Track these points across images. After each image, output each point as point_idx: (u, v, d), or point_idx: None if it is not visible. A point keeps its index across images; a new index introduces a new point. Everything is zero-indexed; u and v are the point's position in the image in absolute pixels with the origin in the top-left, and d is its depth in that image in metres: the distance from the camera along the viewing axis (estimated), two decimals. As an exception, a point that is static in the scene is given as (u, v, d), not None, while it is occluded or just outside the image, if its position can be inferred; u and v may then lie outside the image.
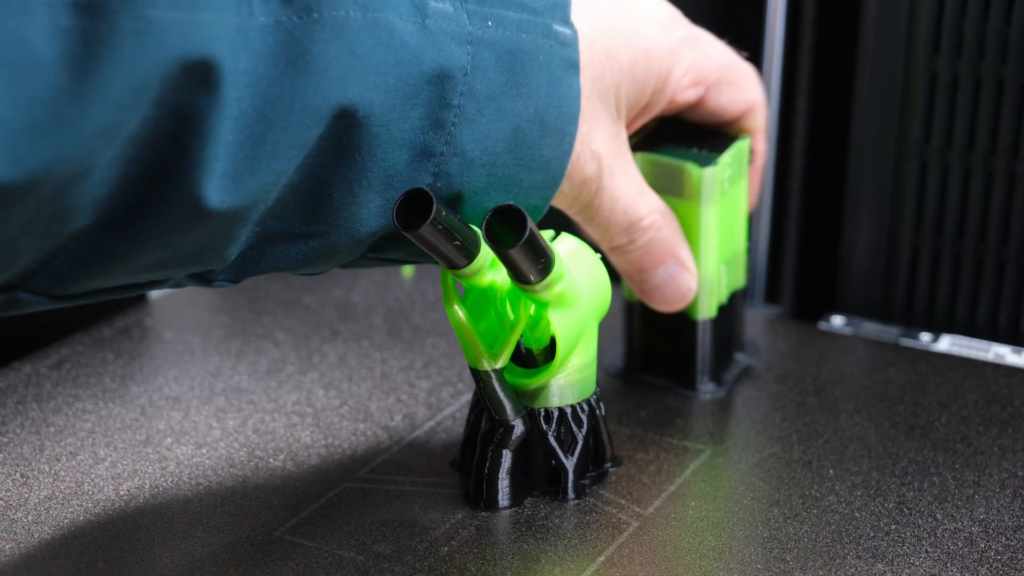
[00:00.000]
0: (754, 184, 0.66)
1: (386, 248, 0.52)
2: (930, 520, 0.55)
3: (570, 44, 0.51)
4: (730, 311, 0.65)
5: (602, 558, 0.53)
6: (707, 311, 0.63)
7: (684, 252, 0.61)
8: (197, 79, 0.42)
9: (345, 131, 0.46)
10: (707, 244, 0.62)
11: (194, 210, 0.44)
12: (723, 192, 0.62)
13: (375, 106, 0.46)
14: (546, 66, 0.50)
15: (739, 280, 0.65)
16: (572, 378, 0.56)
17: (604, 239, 0.59)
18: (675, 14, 0.59)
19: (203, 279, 0.50)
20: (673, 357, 0.65)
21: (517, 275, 0.52)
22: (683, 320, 0.63)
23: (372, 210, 0.49)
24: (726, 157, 0.61)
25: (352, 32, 0.45)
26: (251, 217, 0.46)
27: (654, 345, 0.65)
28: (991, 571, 0.52)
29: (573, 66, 0.51)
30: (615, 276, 0.61)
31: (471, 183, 0.50)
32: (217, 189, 0.44)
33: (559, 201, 0.56)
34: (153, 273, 0.47)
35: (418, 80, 0.47)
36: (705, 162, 0.60)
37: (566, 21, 0.51)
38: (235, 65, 0.43)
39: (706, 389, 0.64)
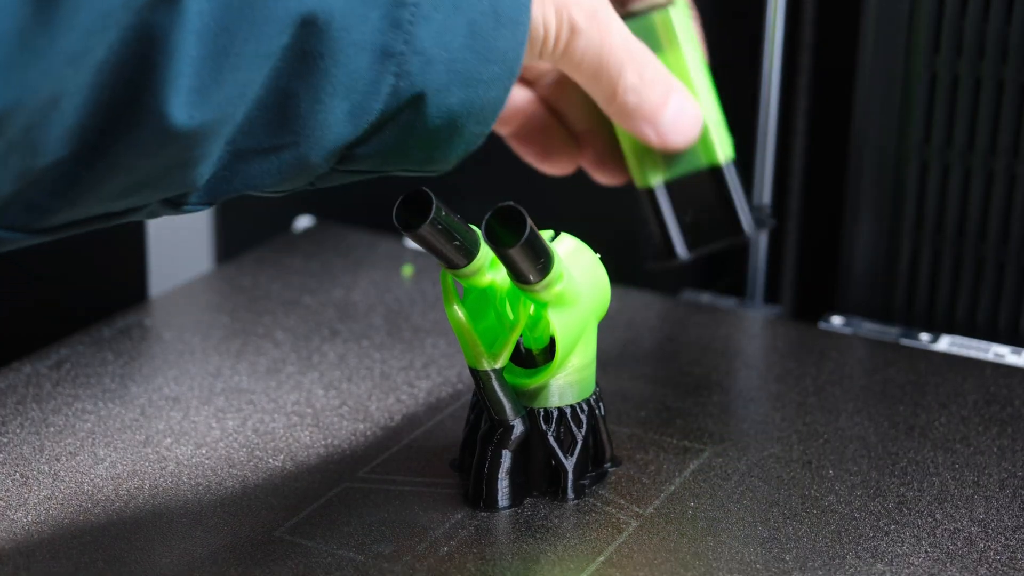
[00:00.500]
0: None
1: (354, 159, 0.52)
2: (930, 520, 0.55)
3: None
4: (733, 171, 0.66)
5: (602, 558, 0.53)
6: (725, 151, 0.64)
7: (679, 82, 0.62)
8: None
9: (308, 38, 0.47)
10: (699, 83, 0.63)
11: (164, 129, 0.45)
12: (691, 36, 0.63)
13: (335, 11, 0.47)
14: None
15: (729, 146, 0.66)
16: (572, 378, 0.56)
17: (612, 83, 0.60)
18: None
19: (176, 204, 0.50)
20: (710, 215, 0.65)
21: (517, 275, 0.52)
22: (707, 174, 0.64)
23: (339, 116, 0.49)
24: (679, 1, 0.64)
25: None
26: (220, 133, 0.47)
27: (688, 213, 0.65)
28: (991, 571, 0.52)
29: None
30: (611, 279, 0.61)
31: (432, 81, 0.50)
32: (185, 105, 0.45)
33: (543, 62, 0.58)
34: (128, 199, 0.48)
35: None
36: (665, 6, 0.63)
37: None
38: None
39: (751, 229, 0.65)
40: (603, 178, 0.67)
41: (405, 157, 0.52)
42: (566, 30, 0.56)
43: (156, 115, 0.44)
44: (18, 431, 0.61)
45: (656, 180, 0.64)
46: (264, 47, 0.46)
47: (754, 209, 0.65)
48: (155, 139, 0.45)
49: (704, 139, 0.63)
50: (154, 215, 0.51)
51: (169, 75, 0.44)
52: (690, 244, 0.66)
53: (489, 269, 0.53)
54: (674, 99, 0.61)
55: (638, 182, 0.65)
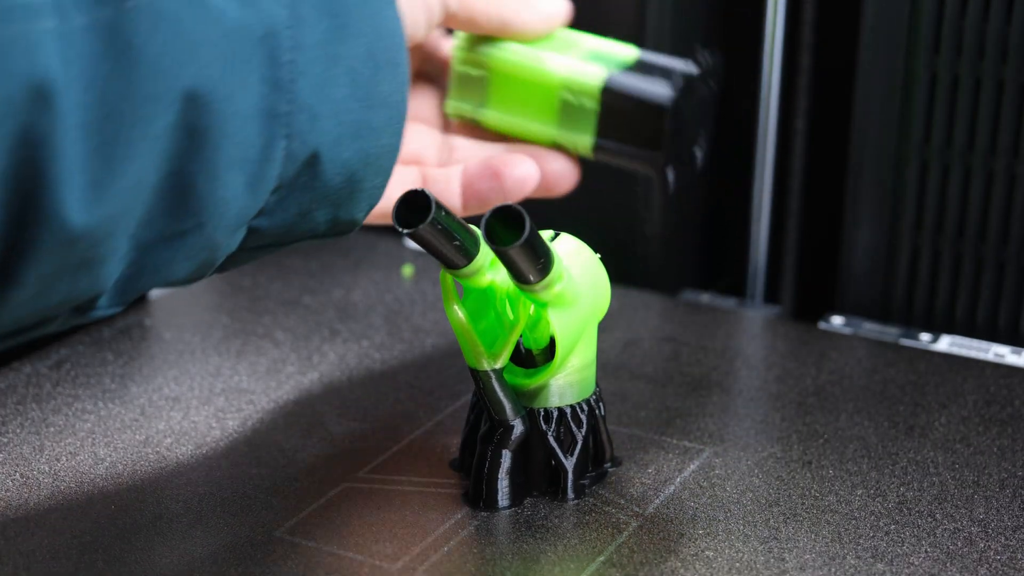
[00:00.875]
0: None
1: (260, 234, 0.51)
2: (930, 520, 0.55)
3: None
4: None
5: (602, 558, 0.53)
6: (601, 68, 0.62)
7: None
8: (34, 96, 0.41)
9: (192, 114, 0.46)
10: None
11: (64, 233, 0.43)
12: None
13: (214, 82, 0.46)
14: (364, 2, 0.50)
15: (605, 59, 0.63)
16: (572, 378, 0.56)
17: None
18: None
19: (85, 310, 0.48)
20: (638, 116, 0.62)
21: (517, 275, 0.52)
22: (604, 99, 0.62)
23: (238, 189, 0.48)
24: None
25: (171, 13, 0.45)
26: (122, 226, 0.45)
27: (628, 128, 0.63)
28: (991, 571, 0.52)
29: None
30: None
31: (323, 136, 0.49)
32: (81, 203, 0.43)
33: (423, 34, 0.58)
34: (38, 311, 0.46)
35: (246, 46, 0.47)
36: None
37: None
38: (67, 72, 0.42)
39: (671, 90, 0.62)
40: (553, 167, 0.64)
41: (310, 223, 0.51)
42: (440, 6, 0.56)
43: (54, 219, 0.43)
44: (18, 431, 0.61)
45: (587, 141, 0.62)
46: (151, 129, 0.44)
47: (672, 75, 0.62)
48: (57, 244, 0.44)
49: (571, 82, 0.61)
50: (65, 325, 0.49)
51: (60, 175, 0.42)
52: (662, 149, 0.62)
53: (489, 269, 0.53)
54: None
55: (579, 149, 0.63)
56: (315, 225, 0.51)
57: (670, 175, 0.63)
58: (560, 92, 0.61)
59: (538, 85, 0.61)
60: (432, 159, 0.63)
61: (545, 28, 0.62)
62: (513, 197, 0.60)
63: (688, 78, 0.62)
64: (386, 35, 0.51)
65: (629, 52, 0.63)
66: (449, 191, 0.61)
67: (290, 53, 0.48)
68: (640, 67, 0.62)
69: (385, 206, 0.58)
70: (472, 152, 0.63)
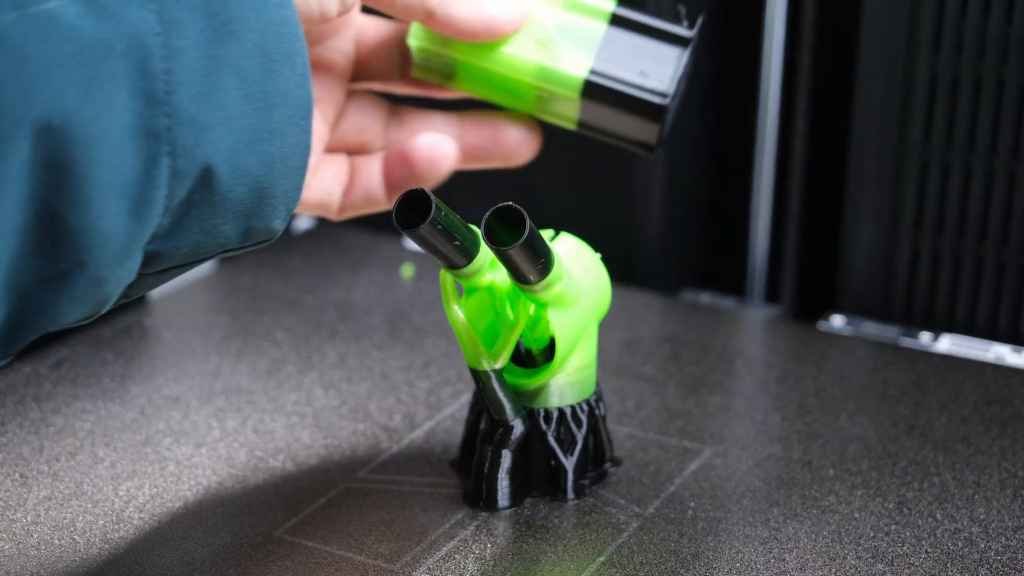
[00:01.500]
0: None
1: (162, 258, 0.46)
2: (930, 520, 0.55)
3: None
4: None
5: (602, 558, 0.53)
6: (581, 62, 0.56)
7: None
8: None
9: (50, 146, 0.41)
10: None
11: None
12: None
13: (72, 107, 0.41)
14: None
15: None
16: (572, 378, 0.56)
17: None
18: None
19: None
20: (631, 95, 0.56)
21: (517, 275, 0.52)
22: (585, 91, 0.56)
23: (119, 219, 0.43)
24: None
25: (13, 38, 0.40)
26: None
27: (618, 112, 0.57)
28: (991, 571, 0.52)
29: None
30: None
31: (216, 148, 0.45)
32: None
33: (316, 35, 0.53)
34: None
35: (108, 62, 0.42)
36: None
37: None
38: None
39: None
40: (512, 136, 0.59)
41: (219, 238, 0.46)
42: None
43: None
44: (18, 431, 0.61)
45: (570, 124, 0.58)
46: (3, 168, 0.40)
47: (668, 60, 0.56)
48: None
49: (545, 71, 0.56)
50: None
51: None
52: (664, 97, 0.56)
53: (489, 269, 0.53)
54: None
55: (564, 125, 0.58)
56: (225, 240, 0.47)
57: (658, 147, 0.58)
58: (535, 88, 0.56)
59: (511, 79, 0.56)
60: (377, 140, 0.59)
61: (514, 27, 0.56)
62: (427, 180, 0.57)
63: (685, 63, 0.57)
64: (276, 24, 0.46)
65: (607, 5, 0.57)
66: (371, 180, 0.58)
67: (163, 62, 0.43)
68: (628, 44, 0.56)
69: (324, 198, 0.56)
70: (420, 125, 0.59)
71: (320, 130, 0.56)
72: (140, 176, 0.43)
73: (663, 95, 0.56)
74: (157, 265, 0.46)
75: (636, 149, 0.58)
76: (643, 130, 0.57)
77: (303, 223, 0.84)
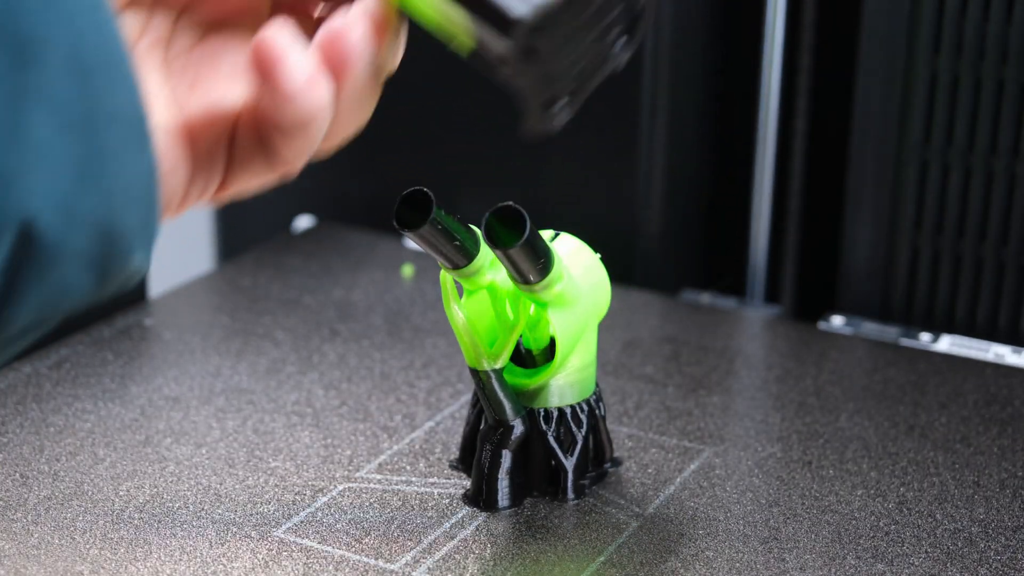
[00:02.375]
0: None
1: (7, 324, 0.39)
2: (930, 520, 0.55)
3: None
4: None
5: (602, 558, 0.53)
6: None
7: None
8: None
9: None
10: None
11: None
12: None
13: None
14: (46, 5, 0.38)
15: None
16: (572, 378, 0.56)
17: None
18: None
19: None
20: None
21: (517, 275, 0.52)
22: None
23: None
24: None
25: None
26: None
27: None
28: (991, 571, 0.52)
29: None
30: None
31: (33, 197, 0.37)
32: None
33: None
34: None
35: None
36: None
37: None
38: None
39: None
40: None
41: (71, 293, 0.39)
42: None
43: None
44: (18, 431, 0.61)
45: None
46: None
47: None
48: None
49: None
50: None
51: None
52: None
53: (489, 269, 0.53)
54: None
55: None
56: (80, 292, 0.39)
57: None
58: None
59: None
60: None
61: None
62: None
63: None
64: (88, 33, 0.38)
65: None
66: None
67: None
68: None
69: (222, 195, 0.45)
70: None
71: (167, 118, 0.45)
72: None
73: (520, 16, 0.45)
74: (6, 331, 0.39)
75: (499, 68, 0.47)
76: (497, 43, 0.46)
77: (303, 223, 0.84)
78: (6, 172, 0.36)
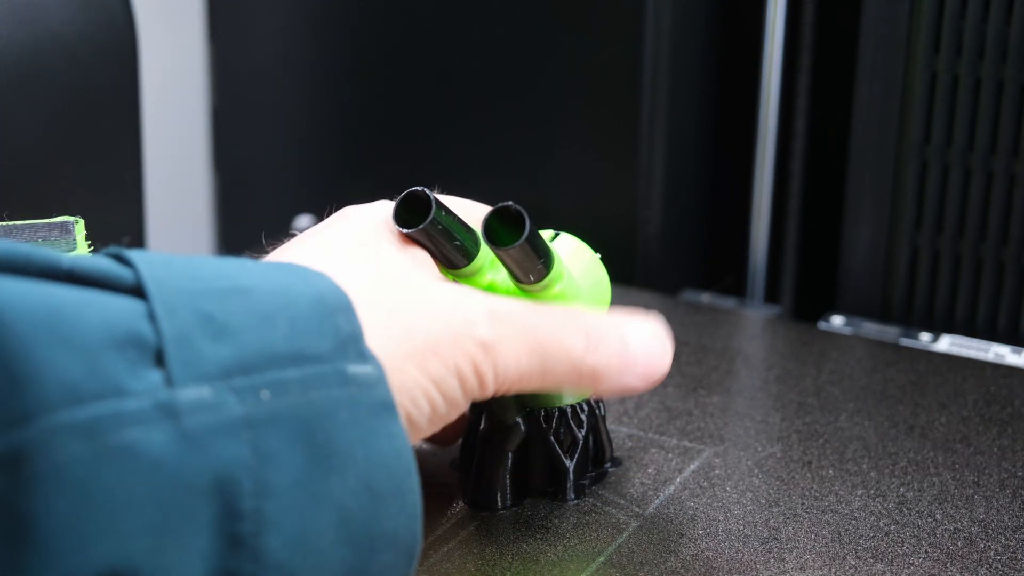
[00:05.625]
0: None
1: None
2: (930, 520, 0.55)
3: (375, 383, 0.40)
4: None
5: (602, 558, 0.53)
6: None
7: (624, 315, 0.49)
8: None
9: None
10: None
11: None
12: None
13: (139, 556, 0.35)
14: (353, 422, 0.40)
15: None
16: (572, 378, 0.56)
17: (566, 361, 0.48)
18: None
19: None
20: None
21: (517, 275, 0.52)
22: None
23: None
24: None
25: (80, 474, 0.34)
26: None
27: None
28: (991, 571, 0.52)
29: (386, 408, 0.40)
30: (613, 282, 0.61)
31: None
32: None
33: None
34: None
35: (189, 500, 0.36)
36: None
37: (362, 355, 0.40)
38: None
39: None
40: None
41: None
42: (484, 366, 0.45)
43: None
44: (18, 431, 0.61)
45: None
46: None
47: None
48: None
49: None
50: None
51: None
52: None
53: (489, 269, 0.53)
54: (632, 330, 0.50)
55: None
56: None
57: None
58: None
59: None
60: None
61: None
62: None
63: None
64: (386, 458, 0.40)
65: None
66: None
67: (254, 500, 0.37)
68: None
69: None
70: None
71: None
72: None
73: None
74: None
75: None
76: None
77: (303, 223, 0.84)
78: (287, 570, 0.37)
